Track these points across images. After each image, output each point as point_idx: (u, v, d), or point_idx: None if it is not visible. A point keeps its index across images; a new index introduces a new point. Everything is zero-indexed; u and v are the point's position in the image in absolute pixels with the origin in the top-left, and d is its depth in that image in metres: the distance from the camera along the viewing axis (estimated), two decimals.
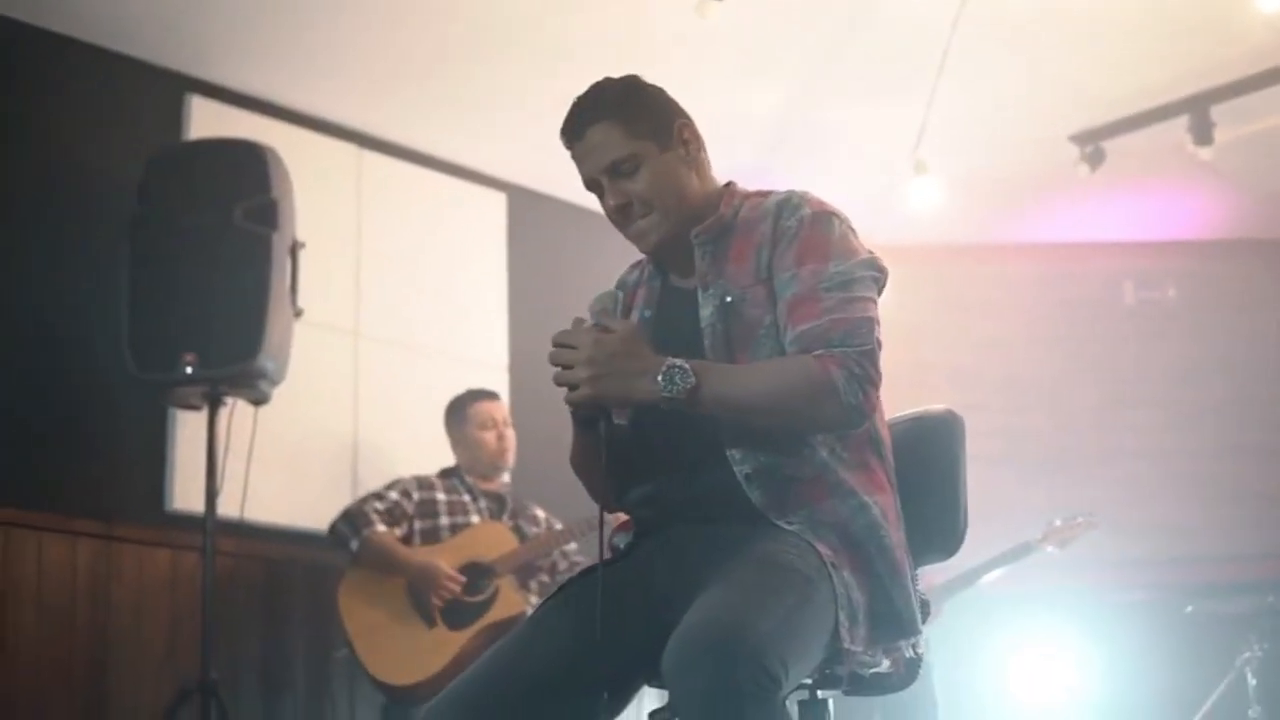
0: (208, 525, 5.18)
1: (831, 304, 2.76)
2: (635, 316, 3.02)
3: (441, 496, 5.70)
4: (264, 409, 5.38)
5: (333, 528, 5.55)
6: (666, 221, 2.92)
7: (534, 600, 5.49)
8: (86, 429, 5.56)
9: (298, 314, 5.36)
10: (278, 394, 5.36)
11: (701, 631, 2.44)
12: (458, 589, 5.43)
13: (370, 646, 5.38)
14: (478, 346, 6.66)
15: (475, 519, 5.68)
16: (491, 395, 5.97)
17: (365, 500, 5.60)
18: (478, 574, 5.49)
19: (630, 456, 2.88)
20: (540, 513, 5.85)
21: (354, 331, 6.34)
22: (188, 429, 5.61)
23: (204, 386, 5.19)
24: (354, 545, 5.49)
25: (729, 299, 2.85)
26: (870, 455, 2.87)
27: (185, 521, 5.57)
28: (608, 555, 2.97)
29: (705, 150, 3.01)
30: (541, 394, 6.49)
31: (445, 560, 5.49)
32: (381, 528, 5.51)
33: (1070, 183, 7.06)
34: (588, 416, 2.81)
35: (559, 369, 2.74)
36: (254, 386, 5.22)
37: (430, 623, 5.41)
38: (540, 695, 2.73)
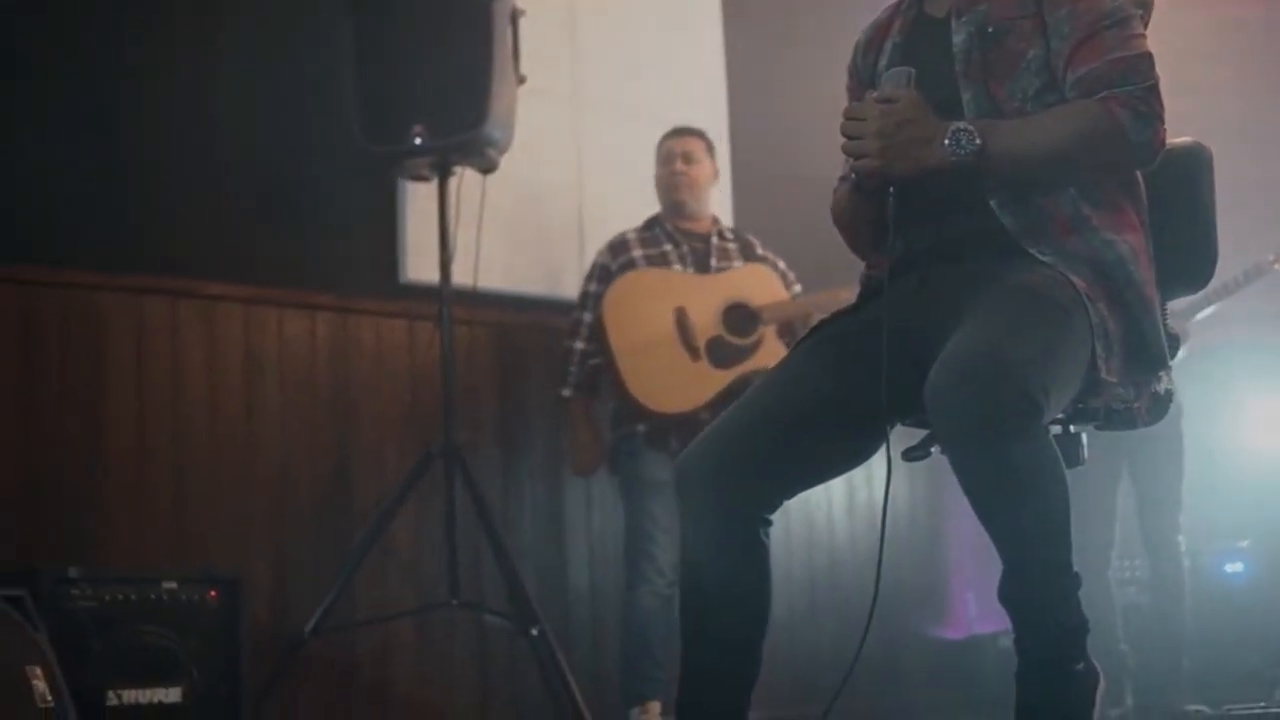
0: (443, 294, 5.26)
1: (1111, 43, 2.76)
2: (888, 46, 3.02)
3: (638, 253, 5.66)
4: (491, 177, 5.43)
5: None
6: None
7: None
8: (320, 205, 5.67)
9: (521, 81, 5.37)
10: (504, 161, 5.40)
11: (965, 360, 2.46)
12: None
13: (634, 367, 5.42)
14: (698, 109, 6.60)
15: (676, 267, 5.66)
16: (678, 131, 5.90)
17: (565, 345, 5.68)
18: (743, 317, 5.51)
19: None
20: (770, 257, 5.85)
21: (573, 98, 6.36)
22: (418, 200, 5.70)
23: (433, 157, 5.23)
24: (566, 393, 5.64)
25: (990, 29, 2.83)
26: (1121, 195, 2.86)
27: (419, 292, 5.68)
28: (855, 298, 3.01)
29: None
30: (762, 154, 6.59)
31: (708, 294, 5.54)
32: (567, 392, 5.63)
33: None
34: (875, 186, 2.82)
35: (849, 140, 2.78)
36: (482, 154, 5.25)
37: (695, 355, 5.46)
38: (797, 434, 2.78)
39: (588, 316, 5.65)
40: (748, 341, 5.49)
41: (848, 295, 5.39)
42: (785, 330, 5.60)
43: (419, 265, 5.70)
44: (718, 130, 6.66)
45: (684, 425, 5.36)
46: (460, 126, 5.13)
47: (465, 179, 5.36)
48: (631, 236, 5.74)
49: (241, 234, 5.49)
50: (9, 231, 4.99)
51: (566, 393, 5.63)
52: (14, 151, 5.05)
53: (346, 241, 5.74)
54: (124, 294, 5.22)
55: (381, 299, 5.76)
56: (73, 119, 5.19)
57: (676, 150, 5.81)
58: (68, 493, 5.00)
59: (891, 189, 2.78)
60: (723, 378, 5.42)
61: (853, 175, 2.87)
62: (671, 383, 5.38)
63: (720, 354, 5.44)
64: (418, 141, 5.13)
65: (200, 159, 5.42)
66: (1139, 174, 2.91)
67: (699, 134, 5.88)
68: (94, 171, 5.19)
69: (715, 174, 5.88)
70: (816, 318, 5.49)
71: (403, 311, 5.75)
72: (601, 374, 5.63)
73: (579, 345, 5.63)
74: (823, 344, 2.90)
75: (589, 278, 5.73)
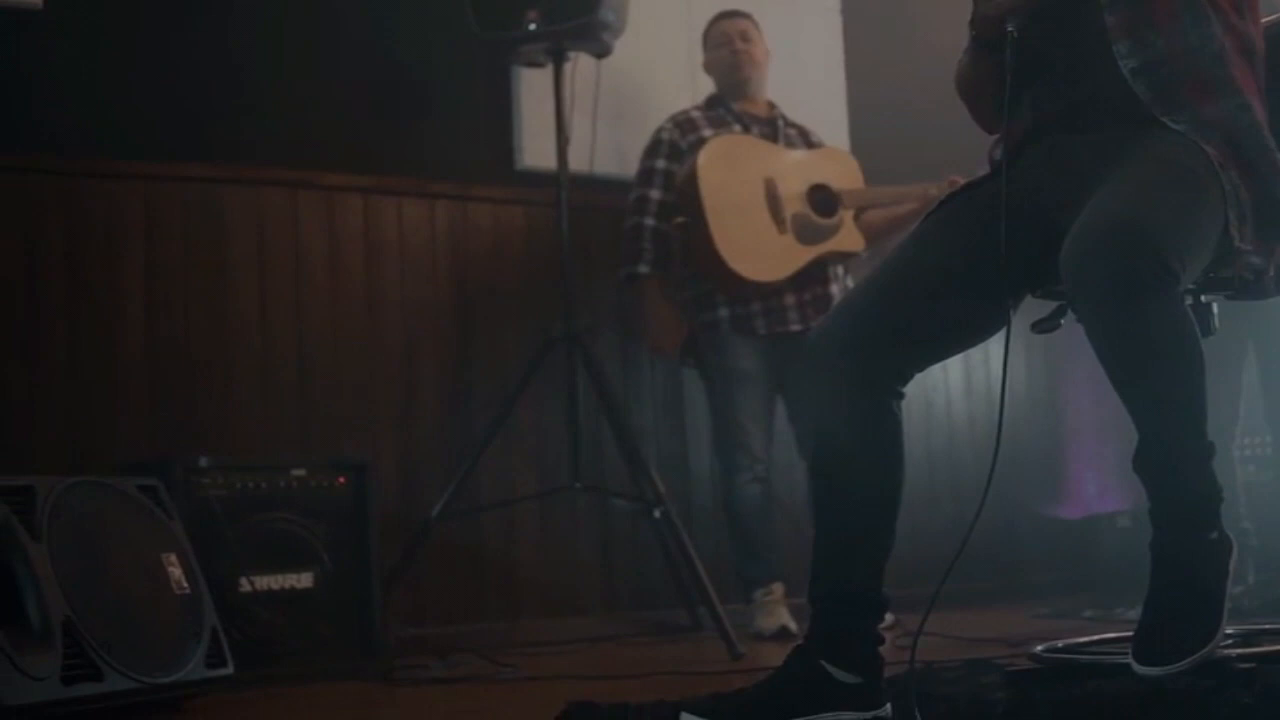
0: (560, 179, 5.27)
1: None
2: None
3: (708, 132, 5.57)
4: (605, 61, 5.43)
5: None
6: None
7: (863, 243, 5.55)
8: (435, 93, 5.69)
9: None
10: (617, 46, 5.38)
11: (1101, 227, 2.45)
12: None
13: (724, 228, 5.32)
14: None
15: None
16: (729, 13, 5.82)
17: (634, 222, 5.56)
18: (825, 197, 5.48)
19: (1017, 71, 2.82)
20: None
21: None
22: (533, 86, 5.69)
23: (547, 42, 5.24)
24: (642, 269, 5.53)
25: None
26: (1245, 64, 2.83)
27: (536, 178, 5.70)
28: (985, 171, 2.99)
29: None
30: (876, 35, 6.52)
31: (793, 169, 5.51)
32: (644, 269, 5.52)
33: None
34: (991, 39, 2.81)
35: None
36: (597, 39, 5.25)
37: (781, 228, 5.41)
38: (929, 305, 2.76)
39: (655, 194, 5.54)
40: (829, 222, 5.45)
41: (922, 189, 5.44)
42: (860, 217, 5.57)
43: (535, 151, 5.72)
44: (831, 12, 6.60)
45: (768, 306, 5.38)
46: (574, 11, 5.14)
47: (579, 64, 5.36)
48: (697, 115, 5.67)
49: (359, 124, 5.53)
50: (130, 127, 5.04)
51: (643, 269, 5.51)
52: (133, 49, 5.10)
53: (463, 129, 5.75)
54: (244, 186, 5.28)
55: (499, 186, 5.78)
56: (189, 14, 5.23)
57: (733, 30, 5.75)
58: (196, 384, 5.09)
59: (1010, 28, 2.76)
60: (806, 253, 5.38)
61: (976, 36, 2.86)
62: (759, 250, 5.33)
63: (804, 230, 5.41)
64: (532, 27, 5.16)
65: (316, 49, 5.44)
66: (1261, 45, 2.89)
67: (748, 15, 5.82)
68: (212, 65, 5.23)
69: (768, 54, 5.82)
70: (907, 208, 5.52)
71: (520, 198, 5.77)
72: (674, 248, 5.55)
73: (649, 222, 5.53)
74: (954, 214, 2.88)
75: (654, 154, 5.61)
